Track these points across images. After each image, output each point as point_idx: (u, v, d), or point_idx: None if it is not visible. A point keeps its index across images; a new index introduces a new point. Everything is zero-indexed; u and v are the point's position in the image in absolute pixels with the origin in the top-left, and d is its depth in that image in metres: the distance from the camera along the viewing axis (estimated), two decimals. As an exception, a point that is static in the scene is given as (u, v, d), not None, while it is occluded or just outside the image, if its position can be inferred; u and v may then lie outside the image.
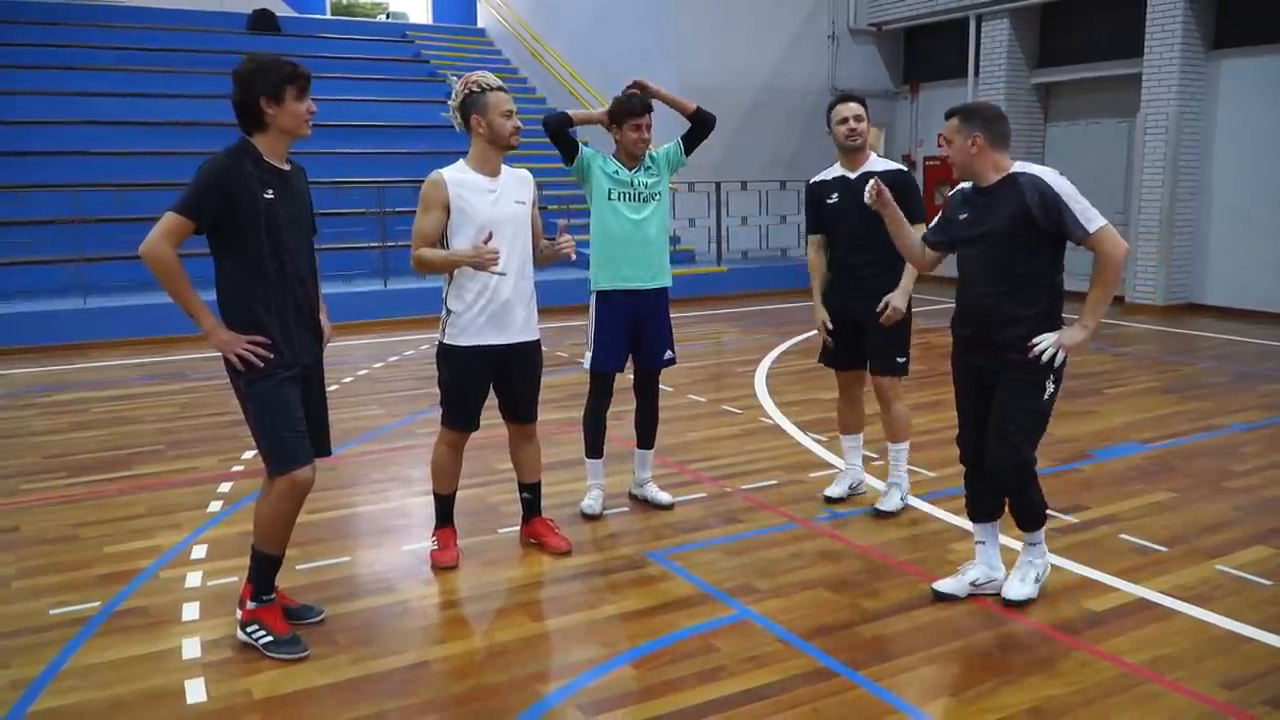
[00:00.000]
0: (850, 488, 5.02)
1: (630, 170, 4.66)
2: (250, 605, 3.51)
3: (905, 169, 4.79)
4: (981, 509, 3.85)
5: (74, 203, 10.75)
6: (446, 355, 4.09)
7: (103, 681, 3.28)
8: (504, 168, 4.08)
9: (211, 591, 3.98)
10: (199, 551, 4.41)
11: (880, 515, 4.74)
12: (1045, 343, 3.52)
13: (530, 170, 4.26)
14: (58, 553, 4.43)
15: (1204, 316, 11.47)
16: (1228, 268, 11.64)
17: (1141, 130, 11.83)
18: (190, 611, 3.80)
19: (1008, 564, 3.91)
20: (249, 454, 5.90)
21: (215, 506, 5.03)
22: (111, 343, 10.03)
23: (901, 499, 4.81)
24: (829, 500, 4.96)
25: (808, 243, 4.90)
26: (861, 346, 4.76)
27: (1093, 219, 3.46)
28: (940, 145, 3.94)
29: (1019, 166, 3.59)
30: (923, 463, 5.43)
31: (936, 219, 3.90)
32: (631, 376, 4.88)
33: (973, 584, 3.87)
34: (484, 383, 4.14)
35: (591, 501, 4.84)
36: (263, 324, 3.35)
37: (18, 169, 11.86)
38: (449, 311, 4.04)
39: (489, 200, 3.97)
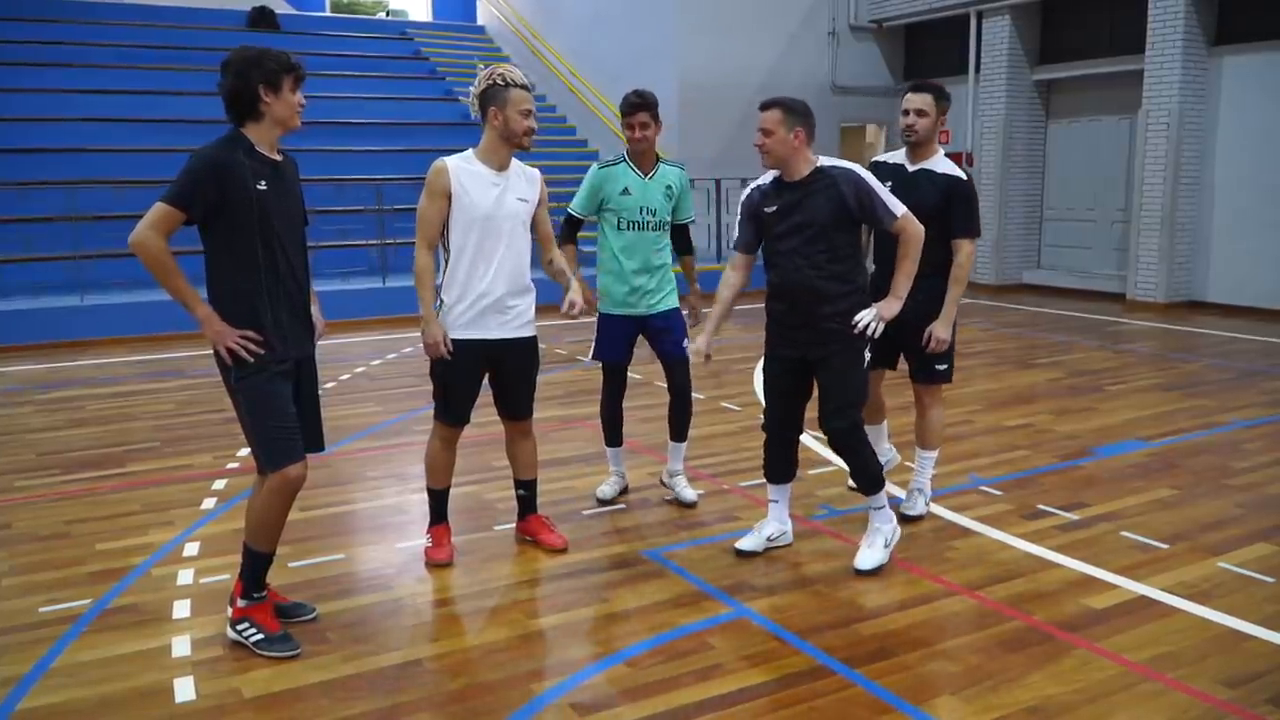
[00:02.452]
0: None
1: (644, 177, 4.58)
2: (241, 603, 3.47)
3: (964, 177, 4.35)
4: (780, 472, 4.23)
5: (72, 200, 10.71)
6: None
7: (91, 679, 3.25)
8: (514, 163, 4.04)
9: (204, 589, 3.94)
10: (191, 549, 4.38)
11: (906, 520, 4.53)
12: (867, 317, 3.87)
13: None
14: (50, 550, 4.39)
15: (1205, 314, 11.42)
16: (1229, 265, 11.59)
17: (1143, 127, 11.78)
18: (181, 609, 3.76)
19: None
20: (244, 451, 5.85)
21: (209, 503, 5.00)
22: (109, 340, 9.99)
23: (926, 504, 4.67)
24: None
25: None
26: (895, 346, 4.52)
27: (896, 206, 3.86)
28: (759, 140, 3.91)
29: (823, 161, 3.93)
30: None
31: (738, 227, 4.17)
32: (636, 373, 4.85)
33: (769, 539, 4.25)
34: (476, 377, 4.10)
35: (606, 488, 4.91)
36: (256, 317, 3.31)
37: (16, 166, 11.82)
38: (442, 303, 4.01)
39: (492, 194, 3.94)
